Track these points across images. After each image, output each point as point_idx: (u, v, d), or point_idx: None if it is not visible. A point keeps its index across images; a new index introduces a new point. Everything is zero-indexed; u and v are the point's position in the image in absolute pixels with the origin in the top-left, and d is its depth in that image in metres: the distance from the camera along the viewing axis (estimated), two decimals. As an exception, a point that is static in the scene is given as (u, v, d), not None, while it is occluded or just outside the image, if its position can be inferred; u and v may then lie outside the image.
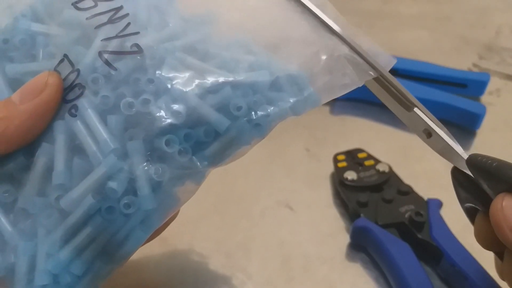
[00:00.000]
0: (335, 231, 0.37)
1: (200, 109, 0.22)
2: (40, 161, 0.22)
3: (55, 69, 0.23)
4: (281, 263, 0.34)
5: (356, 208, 0.36)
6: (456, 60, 0.58)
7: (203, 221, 0.37)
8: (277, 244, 0.36)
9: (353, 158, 0.40)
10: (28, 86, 0.21)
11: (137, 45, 0.23)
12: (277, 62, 0.24)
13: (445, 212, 0.36)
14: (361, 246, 0.35)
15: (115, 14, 0.24)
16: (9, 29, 0.24)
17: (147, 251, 0.35)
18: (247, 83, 0.23)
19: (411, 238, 0.34)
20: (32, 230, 0.22)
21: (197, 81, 0.22)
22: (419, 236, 0.34)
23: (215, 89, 0.22)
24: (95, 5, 0.24)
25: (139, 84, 0.22)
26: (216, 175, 0.40)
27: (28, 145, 0.22)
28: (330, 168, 0.41)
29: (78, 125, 0.22)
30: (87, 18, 0.24)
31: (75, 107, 0.22)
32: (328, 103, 0.50)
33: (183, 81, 0.22)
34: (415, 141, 0.40)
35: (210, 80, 0.22)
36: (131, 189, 0.21)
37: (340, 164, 0.40)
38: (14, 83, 0.23)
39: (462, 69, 0.54)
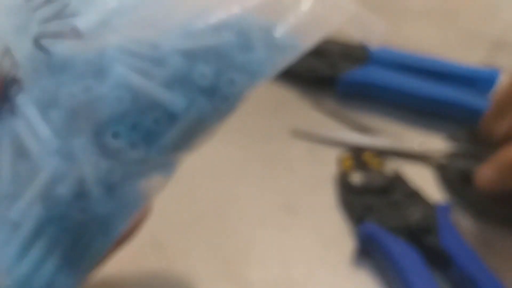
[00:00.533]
0: (339, 236, 0.36)
1: (147, 89, 0.19)
2: None
3: None
4: (282, 270, 0.34)
5: (362, 212, 0.35)
6: (464, 55, 0.57)
7: (199, 226, 0.36)
8: (277, 250, 0.35)
9: (359, 159, 0.39)
10: None
11: (75, 27, 0.20)
12: (243, 16, 0.21)
13: (454, 217, 0.35)
14: (366, 252, 0.34)
15: None
16: None
17: (140, 258, 0.34)
18: (205, 48, 0.20)
19: (419, 243, 0.33)
20: None
21: (142, 56, 0.20)
22: (428, 241, 0.33)
23: (163, 61, 0.20)
24: None
25: (80, 70, 0.20)
26: (214, 176, 0.40)
27: None
28: (334, 169, 0.40)
29: (20, 125, 0.20)
30: (26, 1, 0.22)
31: (15, 105, 0.20)
32: (332, 99, 0.49)
33: (126, 59, 0.20)
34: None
35: (157, 51, 0.20)
36: (83, 191, 0.19)
37: (344, 166, 0.39)
38: None
39: (470, 65, 0.53)
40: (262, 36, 0.20)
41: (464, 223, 0.36)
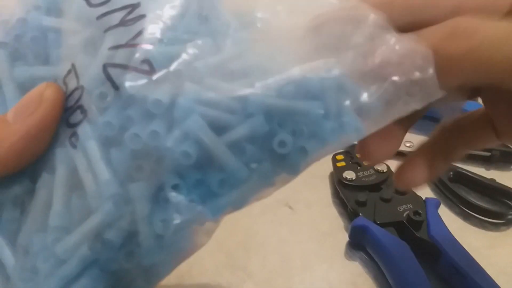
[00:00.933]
0: (334, 230, 0.37)
1: (218, 151, 0.17)
2: (40, 193, 0.19)
3: (64, 80, 0.19)
4: (281, 262, 0.34)
5: (355, 207, 0.36)
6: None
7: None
8: (276, 243, 0.36)
9: (352, 157, 0.40)
10: (23, 102, 0.18)
11: (148, 61, 0.18)
12: (331, 84, 0.18)
13: (442, 211, 0.36)
14: (359, 245, 0.35)
15: (129, 13, 0.19)
16: (20, 24, 0.21)
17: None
18: (289, 111, 0.18)
19: (409, 237, 0.33)
20: (32, 268, 0.19)
21: (220, 108, 0.17)
22: (418, 235, 0.33)
23: (244, 117, 0.17)
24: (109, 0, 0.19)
25: (148, 110, 0.17)
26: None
27: (32, 168, 0.19)
28: (329, 167, 0.41)
29: (79, 158, 0.18)
30: (97, 18, 0.19)
31: (76, 136, 0.18)
32: None
33: (203, 109, 0.17)
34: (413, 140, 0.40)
35: (241, 105, 0.17)
36: (133, 238, 0.18)
37: (339, 164, 0.40)
38: (25, 89, 0.20)
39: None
40: (337, 107, 0.18)
41: (451, 218, 0.37)
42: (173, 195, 0.17)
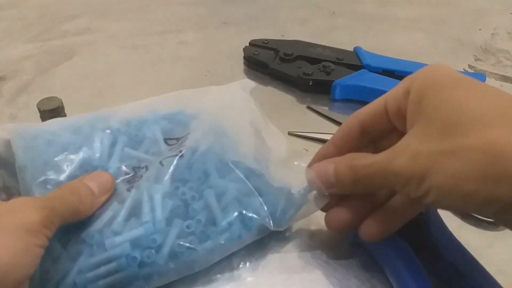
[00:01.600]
0: None
1: (216, 212, 0.32)
2: (107, 214, 0.32)
3: (135, 167, 0.35)
4: (279, 262, 0.34)
5: None
6: (452, 61, 0.58)
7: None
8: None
9: None
10: (104, 184, 0.33)
11: (180, 150, 0.34)
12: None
13: (441, 211, 0.35)
14: (360, 244, 0.35)
15: (183, 139, 0.36)
16: (131, 127, 0.37)
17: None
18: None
19: (409, 236, 0.33)
20: (79, 252, 0.30)
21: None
22: (418, 234, 0.33)
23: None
24: (176, 142, 0.36)
25: (183, 180, 0.33)
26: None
27: None
28: None
29: (144, 197, 0.32)
30: (169, 150, 0.36)
31: (132, 188, 0.33)
32: (327, 103, 0.51)
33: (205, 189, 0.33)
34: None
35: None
36: (158, 248, 0.30)
37: None
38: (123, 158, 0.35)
39: (458, 70, 0.54)
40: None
41: (449, 217, 0.37)
42: (186, 230, 0.31)
